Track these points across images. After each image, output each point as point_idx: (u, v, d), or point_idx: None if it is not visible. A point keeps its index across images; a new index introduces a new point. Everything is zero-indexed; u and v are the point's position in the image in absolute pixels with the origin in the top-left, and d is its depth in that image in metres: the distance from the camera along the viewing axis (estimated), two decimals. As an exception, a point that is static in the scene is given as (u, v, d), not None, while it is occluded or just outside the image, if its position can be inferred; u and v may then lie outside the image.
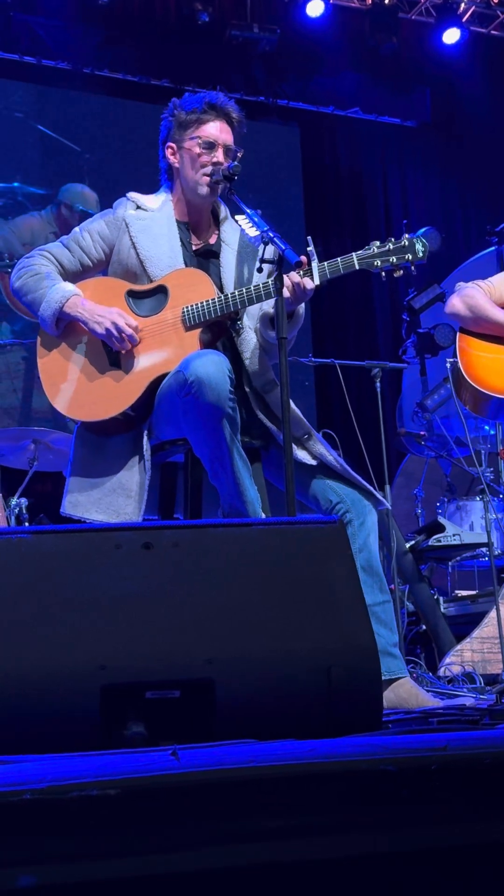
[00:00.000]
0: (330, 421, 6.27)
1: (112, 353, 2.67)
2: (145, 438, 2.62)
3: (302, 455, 2.64)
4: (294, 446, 2.59)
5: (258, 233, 2.51)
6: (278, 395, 2.72)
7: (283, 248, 2.43)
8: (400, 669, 2.56)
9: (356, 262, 2.60)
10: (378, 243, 2.62)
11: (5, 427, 5.08)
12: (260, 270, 2.52)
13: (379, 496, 2.68)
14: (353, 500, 2.62)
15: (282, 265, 2.45)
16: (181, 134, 2.76)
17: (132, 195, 2.83)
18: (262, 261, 2.47)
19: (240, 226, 2.71)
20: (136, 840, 1.13)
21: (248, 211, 2.61)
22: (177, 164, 2.79)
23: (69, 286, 2.70)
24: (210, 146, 2.73)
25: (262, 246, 2.48)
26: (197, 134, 2.74)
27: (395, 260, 2.60)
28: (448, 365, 3.74)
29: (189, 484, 2.63)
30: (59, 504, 2.68)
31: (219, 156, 2.72)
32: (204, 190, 2.74)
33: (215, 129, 2.75)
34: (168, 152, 2.80)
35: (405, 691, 2.53)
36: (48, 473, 5.07)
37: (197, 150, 2.73)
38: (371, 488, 2.67)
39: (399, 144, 8.20)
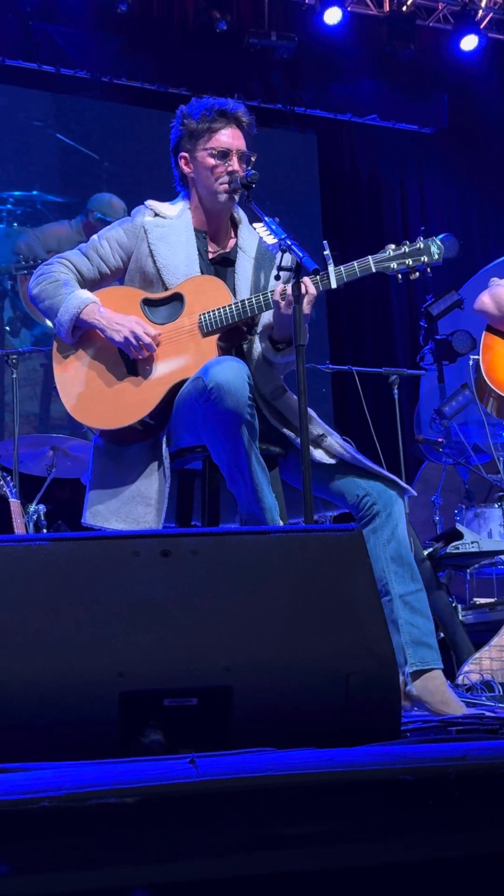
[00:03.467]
0: (347, 428, 6.27)
1: (129, 360, 2.68)
2: (164, 446, 2.62)
3: (319, 455, 2.64)
4: (311, 447, 2.59)
5: (276, 240, 2.51)
6: (287, 401, 2.73)
7: (301, 255, 2.43)
8: (434, 660, 2.53)
9: (372, 264, 2.61)
10: (394, 246, 2.64)
11: (24, 434, 5.10)
12: (277, 278, 2.53)
13: (404, 485, 2.67)
14: (378, 492, 2.61)
15: (300, 273, 2.46)
16: (193, 144, 2.77)
17: (150, 203, 2.84)
18: (280, 268, 2.48)
19: (258, 233, 2.71)
20: (154, 848, 1.13)
21: (266, 218, 2.61)
22: (192, 174, 2.79)
23: (87, 294, 2.71)
24: (224, 155, 2.73)
25: (279, 253, 2.48)
26: (210, 145, 2.74)
27: (410, 262, 2.62)
28: (471, 363, 3.71)
29: (206, 491, 2.63)
30: (78, 510, 2.69)
31: (234, 163, 2.73)
32: (223, 197, 2.74)
33: (227, 137, 2.75)
34: (181, 162, 2.81)
35: (433, 685, 2.49)
36: (66, 480, 5.09)
37: (211, 160, 2.73)
38: (395, 477, 2.66)
39: (416, 151, 8.19)
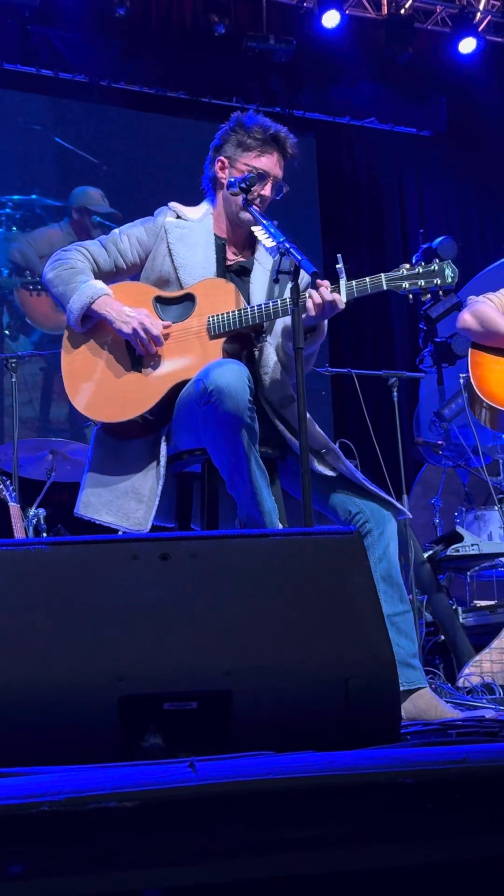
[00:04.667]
0: (347, 431, 6.27)
1: (135, 355, 2.69)
2: (163, 445, 2.63)
3: (320, 467, 2.65)
4: (312, 458, 2.59)
5: (274, 244, 2.52)
6: (295, 410, 2.73)
7: (300, 258, 2.43)
8: (419, 680, 2.56)
9: (384, 282, 2.62)
10: (407, 266, 2.65)
11: (23, 438, 5.10)
12: (276, 281, 2.53)
13: (398, 506, 2.67)
14: (372, 511, 2.62)
15: (298, 275, 2.46)
16: (237, 154, 2.78)
17: (173, 205, 2.85)
18: (279, 272, 2.48)
19: (257, 237, 2.72)
20: (154, 852, 1.12)
21: (265, 221, 2.62)
22: (224, 180, 2.80)
23: (101, 284, 2.72)
24: (262, 177, 2.75)
25: (278, 256, 2.49)
26: (254, 164, 2.76)
27: (423, 283, 2.63)
28: (461, 380, 3.74)
29: (206, 494, 2.63)
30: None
31: (267, 189, 2.76)
32: (246, 216, 2.75)
33: (271, 164, 2.78)
34: (218, 165, 2.82)
35: (424, 702, 2.52)
36: (66, 484, 5.08)
37: None
38: (391, 498, 2.67)
39: (415, 154, 8.20)
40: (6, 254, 6.89)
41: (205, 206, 2.86)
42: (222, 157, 2.81)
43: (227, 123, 2.84)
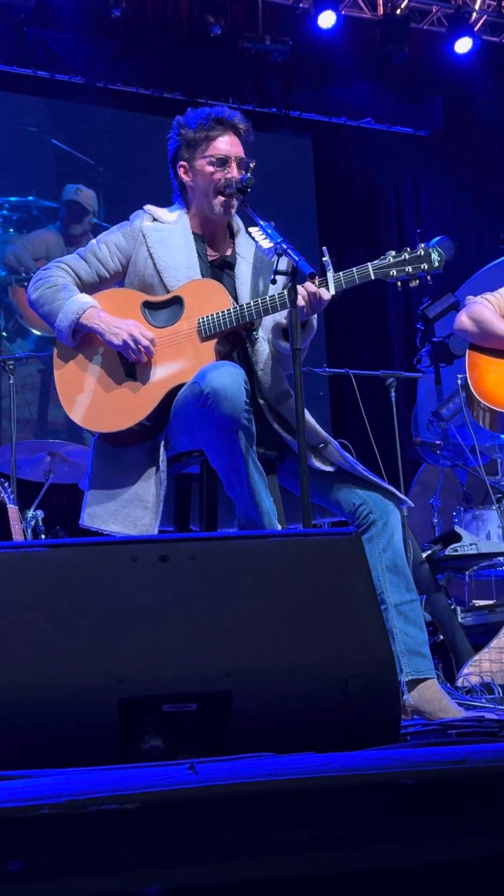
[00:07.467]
0: (345, 431, 6.27)
1: (128, 364, 2.68)
2: (162, 449, 2.63)
3: (319, 463, 2.64)
4: (311, 455, 2.59)
5: (272, 244, 2.51)
6: (292, 406, 2.73)
7: (297, 259, 2.43)
8: (428, 670, 2.54)
9: (371, 271, 2.60)
10: (394, 253, 2.63)
11: (21, 440, 5.09)
12: (274, 282, 2.53)
13: (400, 495, 2.67)
14: (375, 501, 2.61)
15: (295, 276, 2.46)
16: (191, 153, 2.76)
17: (149, 207, 2.84)
18: (276, 272, 2.47)
19: (254, 238, 2.72)
20: (155, 854, 1.13)
21: (262, 223, 2.62)
22: (191, 183, 2.79)
23: (86, 298, 2.71)
24: (223, 162, 2.73)
25: (275, 257, 2.48)
26: (209, 153, 2.74)
27: (410, 269, 2.60)
28: (459, 381, 3.73)
29: (204, 495, 2.63)
30: (75, 516, 2.69)
31: (233, 170, 2.73)
32: (219, 210, 2.74)
33: (225, 144, 2.75)
34: (180, 171, 2.80)
35: (430, 693, 2.51)
36: (64, 486, 5.09)
37: (210, 168, 2.73)
38: (392, 488, 2.66)
39: (412, 154, 8.20)
40: (0, 257, 6.89)
41: (178, 209, 2.84)
42: (182, 163, 2.79)
43: (170, 132, 2.83)
